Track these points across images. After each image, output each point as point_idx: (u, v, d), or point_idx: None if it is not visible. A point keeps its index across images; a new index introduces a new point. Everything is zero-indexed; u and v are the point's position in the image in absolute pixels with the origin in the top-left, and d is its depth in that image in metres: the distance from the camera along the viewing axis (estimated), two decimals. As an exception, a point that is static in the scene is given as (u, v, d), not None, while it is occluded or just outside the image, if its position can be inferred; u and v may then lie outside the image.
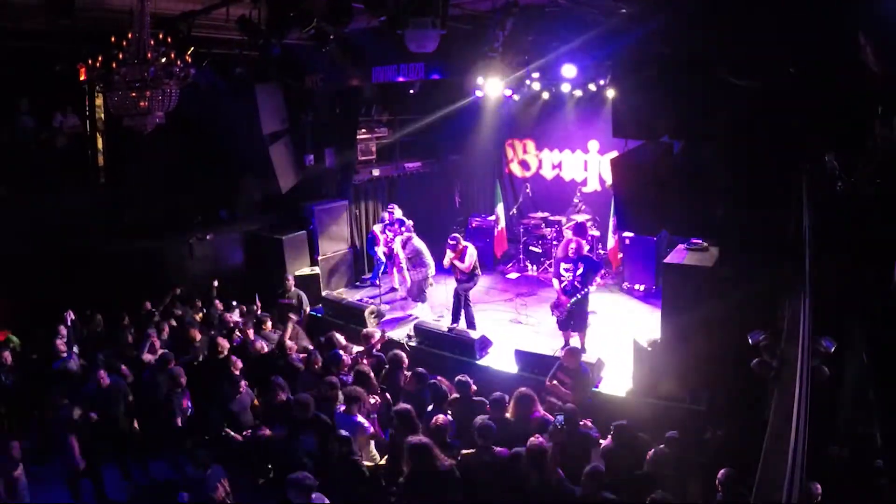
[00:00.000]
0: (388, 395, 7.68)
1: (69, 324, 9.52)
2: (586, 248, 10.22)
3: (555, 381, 8.23)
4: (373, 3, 7.54)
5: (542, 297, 12.51)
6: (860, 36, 5.11)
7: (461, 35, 10.06)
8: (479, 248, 11.58)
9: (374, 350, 9.09)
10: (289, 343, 9.14)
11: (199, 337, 9.58)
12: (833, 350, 5.14)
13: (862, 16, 5.22)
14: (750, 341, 6.38)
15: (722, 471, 5.76)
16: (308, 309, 11.89)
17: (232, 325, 10.11)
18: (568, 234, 12.58)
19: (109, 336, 9.80)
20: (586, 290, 9.74)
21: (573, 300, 9.77)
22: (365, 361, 8.67)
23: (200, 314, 10.89)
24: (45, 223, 10.38)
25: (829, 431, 5.45)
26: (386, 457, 7.05)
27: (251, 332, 9.68)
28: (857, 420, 5.68)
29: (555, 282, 10.16)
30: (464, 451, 6.54)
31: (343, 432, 6.55)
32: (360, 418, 7.03)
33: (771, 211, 7.04)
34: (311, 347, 9.43)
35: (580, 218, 13.41)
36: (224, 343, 8.90)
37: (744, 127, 7.25)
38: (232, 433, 7.49)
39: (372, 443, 7.14)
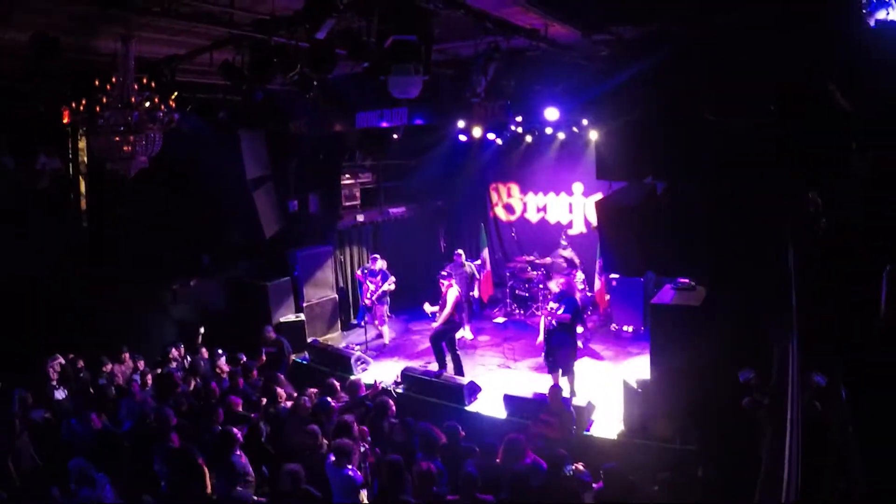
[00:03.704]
0: (377, 449, 7.55)
1: (58, 369, 9.38)
2: (578, 288, 10.20)
3: (539, 423, 8.17)
4: (356, 49, 7.59)
5: (530, 342, 12.43)
6: (828, 81, 5.24)
7: (444, 80, 10.15)
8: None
9: (365, 400, 8.96)
10: (279, 390, 8.99)
11: (180, 385, 9.45)
12: (825, 385, 5.11)
13: (828, 60, 5.36)
14: (740, 379, 6.35)
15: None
16: (292, 357, 11.74)
17: (224, 373, 9.98)
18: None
19: (91, 382, 9.60)
20: (565, 331, 9.71)
21: (548, 337, 9.79)
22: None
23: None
24: (25, 266, 10.22)
25: (824, 466, 5.37)
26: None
27: (241, 384, 9.52)
28: (848, 454, 5.61)
29: (542, 319, 10.16)
30: (448, 498, 6.43)
31: None
32: (351, 471, 6.88)
33: (756, 249, 7.07)
34: (294, 395, 9.28)
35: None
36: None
37: (727, 166, 7.33)
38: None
39: (363, 493, 6.98)
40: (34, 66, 6.46)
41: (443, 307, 10.86)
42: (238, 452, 7.40)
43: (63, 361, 9.49)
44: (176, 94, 7.64)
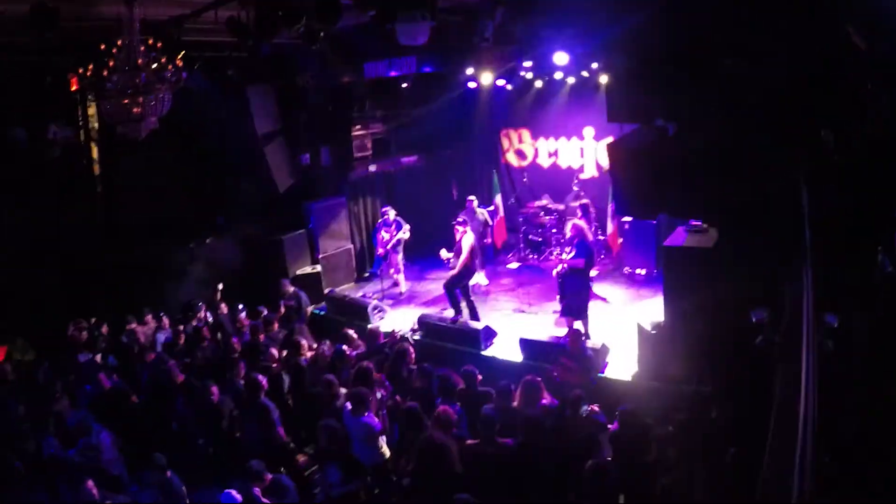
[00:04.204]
0: (397, 396, 7.72)
1: (81, 333, 9.60)
2: (587, 230, 10.21)
3: (559, 367, 8.29)
4: (361, -3, 7.52)
5: (544, 286, 12.51)
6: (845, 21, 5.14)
7: (452, 27, 10.03)
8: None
9: (384, 348, 9.10)
10: (302, 341, 9.14)
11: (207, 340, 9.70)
12: (836, 326, 5.15)
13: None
14: (753, 319, 6.40)
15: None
16: (309, 308, 11.90)
17: (245, 327, 10.17)
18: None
19: (113, 343, 9.83)
20: (578, 275, 9.77)
21: (562, 282, 9.93)
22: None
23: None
24: (42, 234, 10.37)
25: (837, 405, 5.46)
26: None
27: (262, 337, 9.71)
28: (864, 392, 5.68)
29: (559, 267, 10.22)
30: (468, 442, 6.59)
31: None
32: (368, 418, 7.04)
33: (769, 188, 7.04)
34: (314, 346, 9.46)
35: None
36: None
37: (738, 106, 7.25)
38: None
39: (382, 439, 7.15)
40: (36, 37, 6.43)
41: (457, 254, 10.88)
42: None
43: (86, 325, 9.71)
44: (183, 53, 7.61)
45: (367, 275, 14.52)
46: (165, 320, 10.49)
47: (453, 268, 10.92)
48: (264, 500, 6.07)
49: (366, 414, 6.99)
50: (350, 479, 6.98)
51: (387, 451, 7.17)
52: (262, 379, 7.82)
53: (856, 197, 5.78)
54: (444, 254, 11.25)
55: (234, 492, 5.96)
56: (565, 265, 9.88)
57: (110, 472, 6.85)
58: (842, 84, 5.99)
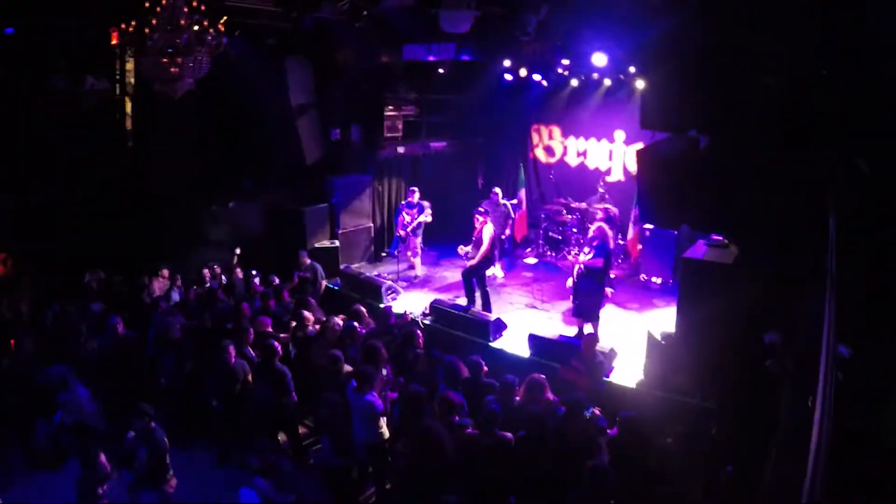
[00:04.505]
0: (400, 379, 7.77)
1: (97, 283, 9.74)
2: (609, 235, 10.19)
3: (569, 369, 8.28)
4: (408, -20, 7.52)
5: (560, 284, 12.51)
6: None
7: (494, 18, 10.01)
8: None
9: (393, 329, 9.14)
10: (306, 314, 9.22)
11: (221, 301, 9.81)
12: (849, 357, 5.11)
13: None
14: (765, 341, 6.36)
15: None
16: (324, 282, 11.98)
17: (257, 294, 10.25)
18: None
19: (128, 295, 9.97)
20: (594, 277, 9.76)
21: (577, 282, 9.90)
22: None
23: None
24: (71, 186, 10.49)
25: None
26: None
27: (272, 304, 9.80)
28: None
29: (576, 268, 10.21)
30: (467, 432, 6.62)
31: None
32: (371, 396, 7.09)
33: (796, 212, 6.98)
34: (322, 319, 9.52)
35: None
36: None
37: (772, 124, 7.18)
38: None
39: (383, 420, 7.20)
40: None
41: (476, 244, 10.88)
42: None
43: (102, 276, 9.85)
44: (225, 18, 7.66)
45: (384, 255, 14.59)
46: (179, 279, 10.62)
47: (472, 259, 10.94)
48: (262, 483, 6.17)
49: (369, 392, 7.05)
50: (341, 454, 7.06)
51: (386, 432, 7.22)
52: (278, 345, 7.94)
53: (885, 228, 5.71)
54: (461, 249, 11.26)
55: (253, 490, 6.03)
56: (581, 266, 9.87)
57: (97, 427, 6.98)
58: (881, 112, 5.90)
